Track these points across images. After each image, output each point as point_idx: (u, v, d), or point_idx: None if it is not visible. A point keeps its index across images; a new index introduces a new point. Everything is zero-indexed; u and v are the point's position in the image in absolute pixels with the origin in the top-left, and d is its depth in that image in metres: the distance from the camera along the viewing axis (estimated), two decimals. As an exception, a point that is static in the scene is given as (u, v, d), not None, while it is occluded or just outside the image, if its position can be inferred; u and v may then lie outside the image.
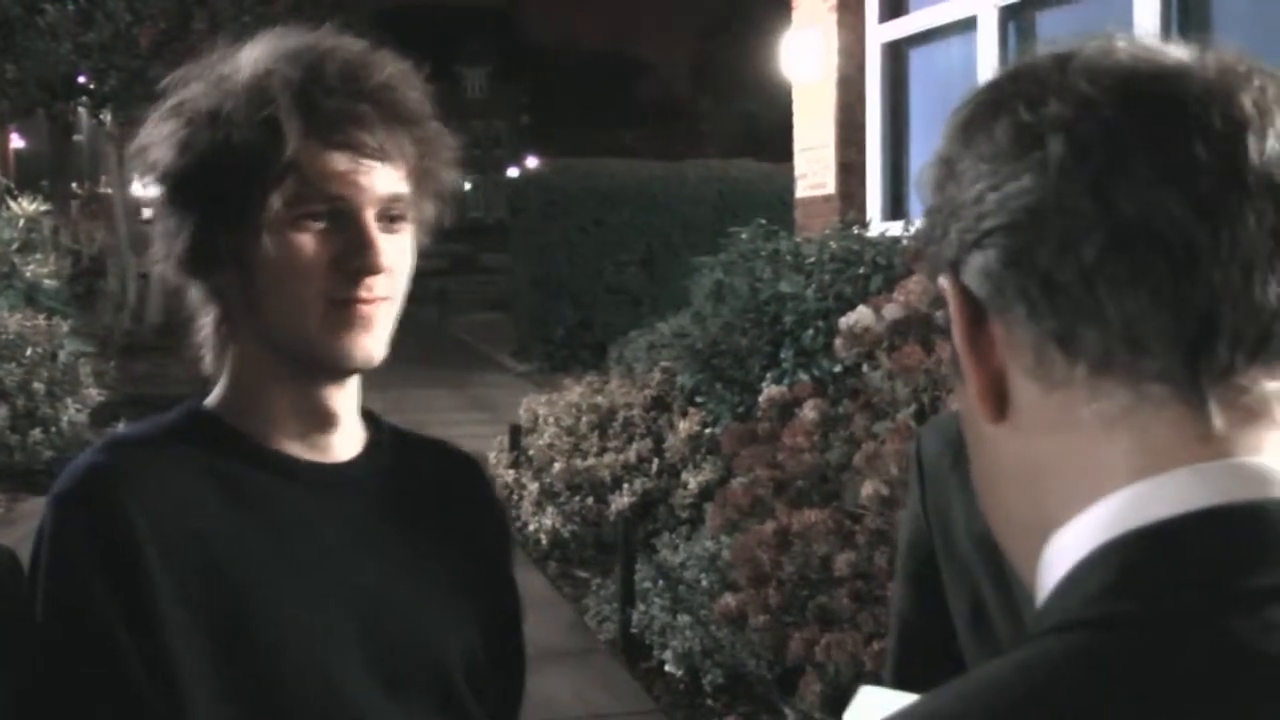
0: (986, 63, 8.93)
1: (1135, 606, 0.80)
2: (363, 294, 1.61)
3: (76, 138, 35.36)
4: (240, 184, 1.57)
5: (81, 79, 21.98)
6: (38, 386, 12.42)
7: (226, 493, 1.66)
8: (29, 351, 12.60)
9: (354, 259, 1.59)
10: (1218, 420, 0.84)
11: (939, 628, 1.91)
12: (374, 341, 1.65)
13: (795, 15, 11.26)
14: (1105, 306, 0.84)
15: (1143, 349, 0.84)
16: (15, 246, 15.67)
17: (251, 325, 1.67)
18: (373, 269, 1.60)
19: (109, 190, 27.62)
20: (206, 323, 1.74)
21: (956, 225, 0.92)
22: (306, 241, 1.59)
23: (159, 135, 1.65)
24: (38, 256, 15.85)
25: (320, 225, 1.60)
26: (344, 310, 1.61)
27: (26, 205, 16.66)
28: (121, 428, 1.81)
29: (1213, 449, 0.84)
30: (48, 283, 15.47)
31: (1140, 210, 0.83)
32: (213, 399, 1.74)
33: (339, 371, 1.68)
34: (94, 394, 13.31)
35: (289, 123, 1.56)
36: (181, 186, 1.63)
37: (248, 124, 1.58)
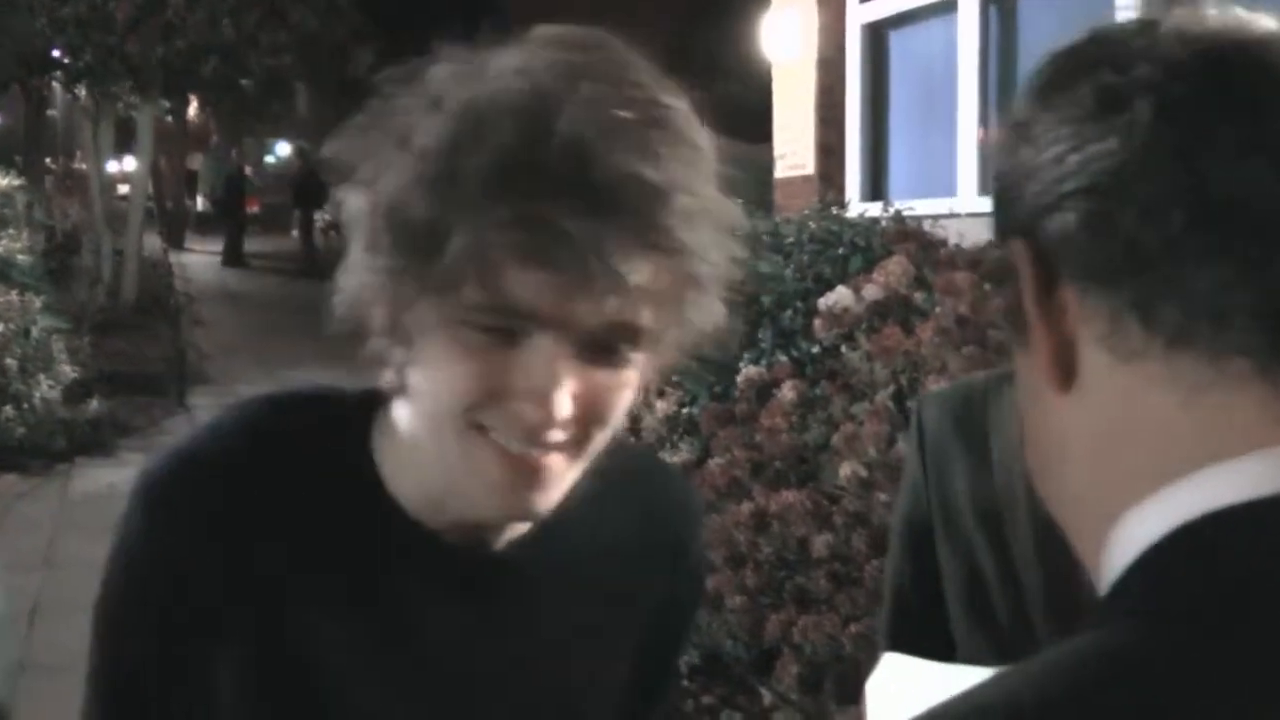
0: (967, 46, 8.95)
1: (1215, 595, 0.77)
2: (523, 443, 1.22)
3: (51, 113, 35.19)
4: (435, 250, 1.17)
5: (56, 54, 21.86)
6: (10, 363, 12.34)
7: (332, 568, 1.35)
8: (1, 328, 12.53)
9: (518, 400, 1.20)
10: None
11: (936, 598, 1.91)
12: (538, 497, 1.26)
13: (776, -5, 11.24)
14: (1189, 277, 0.81)
15: (1225, 323, 0.81)
16: (-12, 222, 15.60)
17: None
18: (541, 422, 1.20)
19: (84, 166, 27.48)
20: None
21: (1033, 187, 0.89)
22: (463, 355, 1.20)
23: (370, 153, 1.23)
24: (10, 232, 15.74)
25: (493, 340, 1.19)
26: (496, 454, 1.23)
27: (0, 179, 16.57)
28: (227, 428, 1.40)
29: None
30: (21, 258, 15.36)
31: (1229, 179, 0.81)
32: (378, 423, 1.38)
33: (481, 522, 1.35)
34: (67, 370, 13.22)
35: (460, 224, 1.15)
36: (394, 230, 1.20)
37: (426, 195, 1.17)
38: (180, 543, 1.33)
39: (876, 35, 10.47)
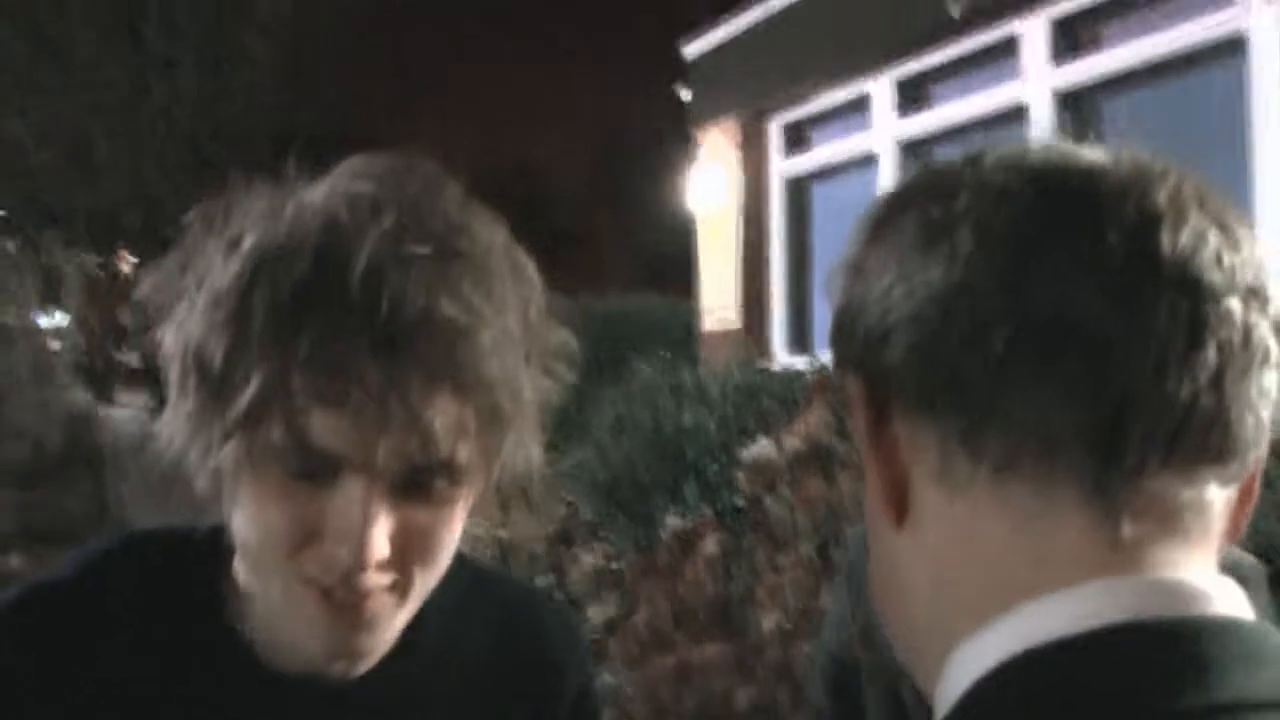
0: (887, 199, 9.06)
1: None
2: (342, 588, 1.17)
3: (-23, 264, 34.94)
4: (230, 394, 1.14)
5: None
6: (-72, 517, 12.17)
7: (165, 700, 1.27)
8: (-80, 481, 12.35)
9: (332, 544, 1.15)
10: (1128, 528, 0.80)
11: None
12: (362, 640, 1.23)
13: (701, 149, 11.39)
14: (1013, 401, 0.80)
15: (1050, 448, 0.80)
16: (-91, 374, 15.42)
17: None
18: (353, 566, 1.15)
19: (9, 319, 27.28)
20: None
21: (864, 321, 0.88)
22: (275, 500, 1.16)
23: (171, 295, 1.21)
24: (-67, 384, 15.59)
25: (304, 484, 1.15)
26: (317, 600, 1.19)
27: (-80, 332, 16.42)
28: (71, 570, 1.35)
29: (1123, 558, 0.80)
30: (-58, 411, 15.21)
31: (1051, 299, 0.80)
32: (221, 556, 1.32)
33: (310, 668, 1.28)
34: (-11, 525, 13.05)
35: (257, 366, 1.12)
36: (190, 374, 1.18)
37: (221, 337, 1.14)
38: (8, 675, 1.26)
39: (798, 188, 10.62)
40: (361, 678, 1.31)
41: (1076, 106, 7.64)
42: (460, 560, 1.34)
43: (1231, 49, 6.59)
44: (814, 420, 6.39)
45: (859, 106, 9.70)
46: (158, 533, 1.40)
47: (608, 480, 8.82)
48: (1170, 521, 0.81)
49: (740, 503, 6.90)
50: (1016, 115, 7.94)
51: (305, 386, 1.10)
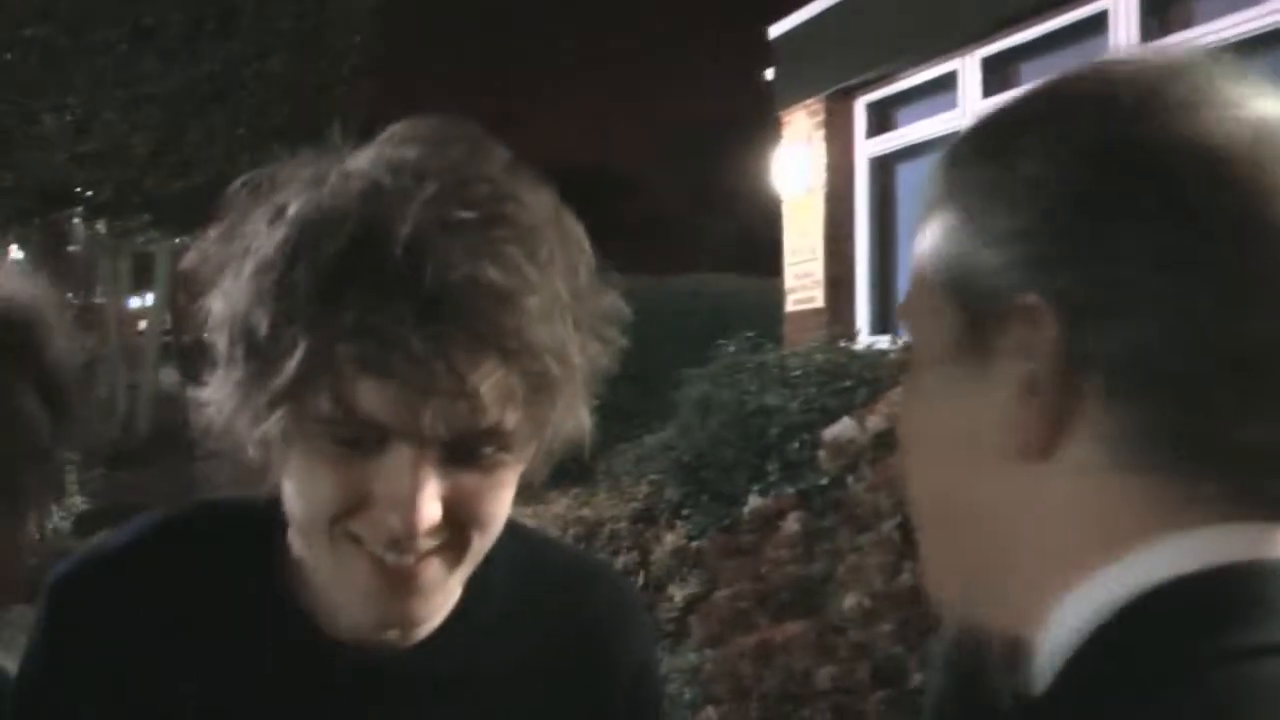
0: (973, 178, 8.99)
1: (1154, 668, 0.76)
2: (392, 552, 1.18)
3: (72, 248, 35.49)
4: (278, 362, 1.14)
5: (77, 189, 22.08)
6: (22, 494, 12.35)
7: (217, 670, 1.31)
8: (14, 459, 12.55)
9: (381, 509, 1.16)
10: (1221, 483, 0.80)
11: None
12: (414, 605, 1.22)
13: (785, 131, 11.35)
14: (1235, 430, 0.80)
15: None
16: (5, 354, 15.67)
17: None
18: (404, 531, 1.15)
19: (103, 300, 27.69)
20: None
21: (1098, 273, 0.83)
22: (326, 467, 1.16)
23: (221, 266, 1.20)
24: (27, 365, 15.83)
25: (353, 452, 1.15)
26: (368, 564, 1.19)
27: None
28: (137, 531, 1.40)
29: (1230, 510, 0.80)
30: (36, 391, 15.45)
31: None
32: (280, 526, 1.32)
33: (362, 636, 1.30)
34: (78, 502, 13.24)
35: (303, 335, 1.11)
36: (234, 346, 1.18)
37: (267, 306, 1.14)
38: (74, 631, 1.34)
39: (884, 168, 10.56)
40: (415, 646, 1.32)
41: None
42: (519, 532, 1.38)
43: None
44: (896, 399, 6.35)
45: (945, 85, 9.62)
46: (221, 501, 1.44)
47: (691, 459, 8.83)
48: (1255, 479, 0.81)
49: (822, 482, 6.88)
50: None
51: (350, 356, 1.10)
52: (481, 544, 1.23)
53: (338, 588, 1.23)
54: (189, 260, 1.24)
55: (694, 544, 9.01)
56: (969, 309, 0.88)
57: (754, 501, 7.13)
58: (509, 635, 1.40)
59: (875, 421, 6.33)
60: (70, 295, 36.38)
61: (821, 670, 5.58)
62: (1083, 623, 0.80)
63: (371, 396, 1.11)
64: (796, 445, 7.48)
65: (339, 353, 1.10)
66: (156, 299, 24.71)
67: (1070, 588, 0.82)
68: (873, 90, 10.51)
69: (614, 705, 1.47)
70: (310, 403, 1.12)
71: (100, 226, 23.47)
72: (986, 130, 0.92)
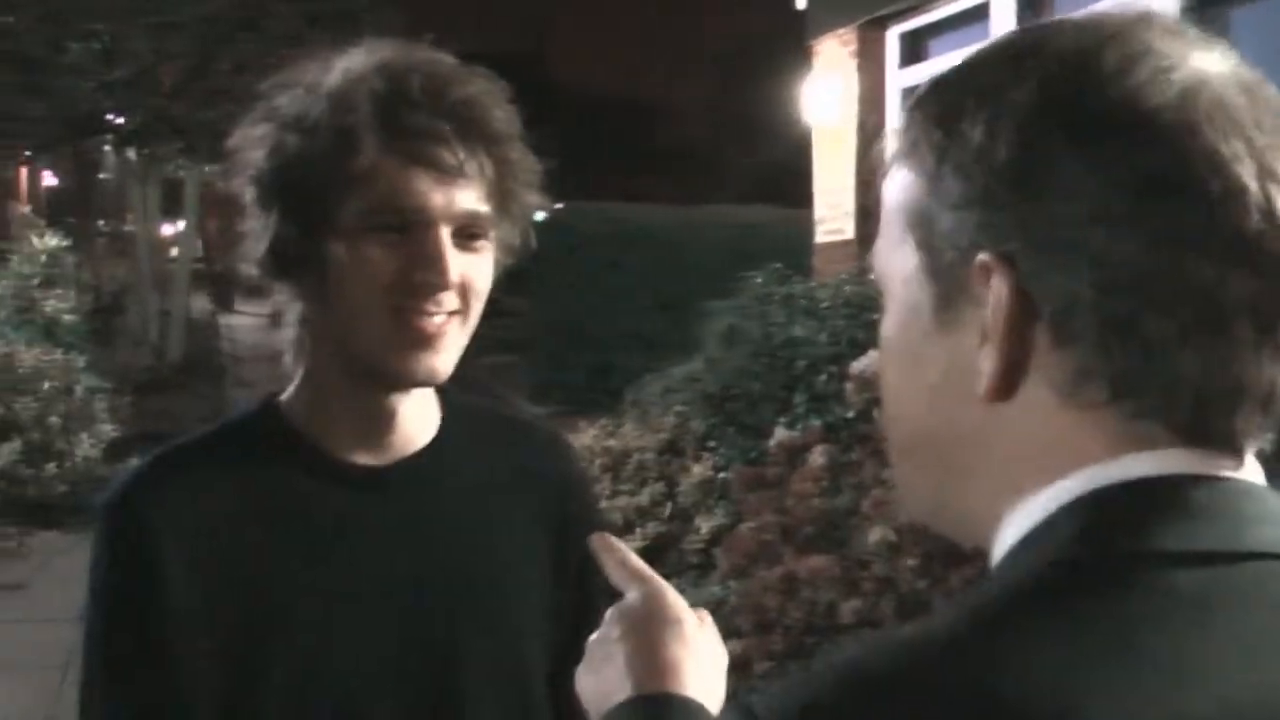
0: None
1: (1092, 553, 0.86)
2: (430, 308, 1.62)
3: (103, 175, 35.57)
4: (318, 189, 1.61)
5: (107, 116, 22.10)
6: (53, 421, 12.42)
7: (265, 505, 1.70)
8: (45, 386, 12.62)
9: (422, 273, 1.60)
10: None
11: None
12: (440, 358, 1.65)
13: (816, 61, 11.26)
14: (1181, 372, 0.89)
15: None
16: (36, 282, 15.71)
17: (326, 329, 1.69)
18: (440, 285, 1.61)
19: (134, 227, 27.75)
20: (290, 322, 1.75)
21: (1061, 233, 0.91)
22: (377, 252, 1.60)
23: (251, 138, 1.67)
24: (58, 292, 15.88)
25: (394, 237, 1.61)
26: (410, 324, 1.62)
27: (48, 240, 16.68)
28: (183, 438, 1.82)
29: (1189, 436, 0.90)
30: (67, 318, 15.50)
31: None
32: (286, 395, 1.78)
33: (402, 385, 1.70)
34: (109, 429, 13.31)
35: (366, 135, 1.60)
36: (266, 188, 1.65)
37: (328, 131, 1.61)
38: (150, 533, 1.65)
39: (916, 100, 10.47)
40: (393, 465, 1.76)
41: (1204, 15, 7.45)
42: (487, 400, 1.97)
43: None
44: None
45: (978, 15, 9.51)
46: (230, 415, 1.87)
47: (718, 391, 8.82)
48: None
49: (849, 415, 6.87)
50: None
51: (400, 154, 1.60)
52: (474, 314, 1.69)
53: (382, 351, 1.64)
54: (232, 140, 1.70)
55: (720, 475, 9.01)
56: (934, 266, 0.97)
57: (780, 434, 7.13)
58: (474, 458, 1.84)
59: (902, 355, 6.31)
60: (101, 223, 36.55)
61: (846, 604, 5.59)
62: (1031, 523, 0.91)
63: (417, 185, 1.60)
64: (824, 378, 7.47)
65: (393, 151, 1.60)
66: (187, 226, 24.76)
67: (1020, 505, 0.93)
68: (906, 20, 10.41)
69: (564, 505, 1.89)
70: (365, 201, 1.60)
71: (130, 154, 23.50)
72: (939, 95, 1.00)
